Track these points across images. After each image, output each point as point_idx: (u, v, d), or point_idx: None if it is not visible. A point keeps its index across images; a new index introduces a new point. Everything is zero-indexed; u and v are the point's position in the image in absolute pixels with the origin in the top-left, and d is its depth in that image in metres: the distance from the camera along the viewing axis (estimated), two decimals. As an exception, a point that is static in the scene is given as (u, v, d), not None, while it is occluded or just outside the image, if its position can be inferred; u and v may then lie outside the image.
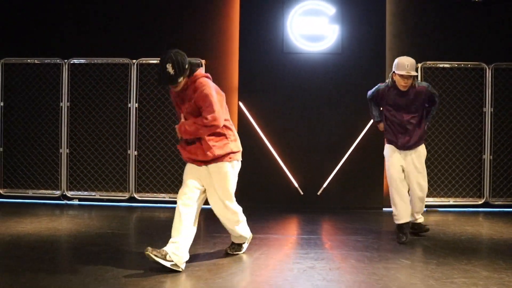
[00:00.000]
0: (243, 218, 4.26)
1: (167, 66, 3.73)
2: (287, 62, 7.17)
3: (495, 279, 3.67)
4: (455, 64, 7.17)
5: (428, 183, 7.07)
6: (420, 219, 5.27)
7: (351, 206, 7.07)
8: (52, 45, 7.50)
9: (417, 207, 5.20)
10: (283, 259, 4.30)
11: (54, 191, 7.44)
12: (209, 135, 3.91)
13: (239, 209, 4.20)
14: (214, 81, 7.68)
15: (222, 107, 3.96)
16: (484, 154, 7.18)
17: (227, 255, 4.34)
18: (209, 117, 3.78)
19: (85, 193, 7.41)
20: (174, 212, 3.91)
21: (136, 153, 7.32)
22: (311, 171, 7.13)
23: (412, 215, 5.19)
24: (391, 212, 5.16)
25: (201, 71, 4.01)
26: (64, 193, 7.41)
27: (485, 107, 7.16)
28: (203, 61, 7.20)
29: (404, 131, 5.03)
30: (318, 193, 7.12)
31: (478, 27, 7.24)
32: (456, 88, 7.18)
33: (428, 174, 7.12)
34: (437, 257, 4.32)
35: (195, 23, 7.36)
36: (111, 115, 7.36)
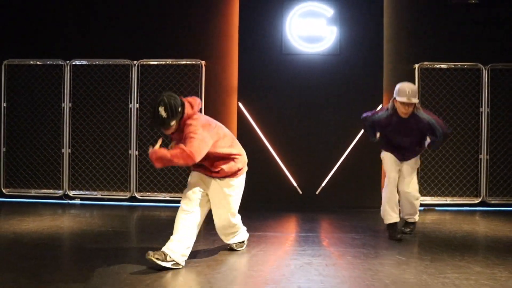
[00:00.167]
0: (240, 229, 4.44)
1: (160, 109, 3.74)
2: (286, 63, 7.26)
3: (487, 274, 3.76)
4: (451, 65, 7.26)
5: (426, 183, 7.25)
6: (411, 219, 5.34)
7: (349, 205, 7.16)
8: (54, 46, 7.59)
9: (407, 210, 5.27)
10: (281, 256, 4.39)
11: (56, 191, 7.53)
12: (216, 160, 4.01)
13: (239, 221, 4.37)
14: (214, 82, 7.80)
15: (208, 143, 3.86)
16: (481, 153, 7.27)
17: (230, 250, 4.44)
18: (186, 149, 3.73)
19: (87, 192, 7.50)
20: (175, 211, 4.03)
21: (137, 153, 7.41)
22: (309, 171, 7.22)
23: (403, 216, 5.29)
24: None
25: (189, 109, 3.89)
26: (66, 193, 7.51)
27: (482, 107, 7.25)
28: (203, 63, 7.31)
29: (400, 150, 5.12)
30: (317, 192, 7.22)
31: (475, 28, 7.32)
32: (453, 88, 7.27)
33: (426, 173, 7.26)
34: (431, 254, 4.41)
35: (195, 24, 7.46)
36: (112, 116, 7.45)
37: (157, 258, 3.75)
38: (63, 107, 7.50)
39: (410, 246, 4.80)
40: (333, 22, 7.21)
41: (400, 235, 5.05)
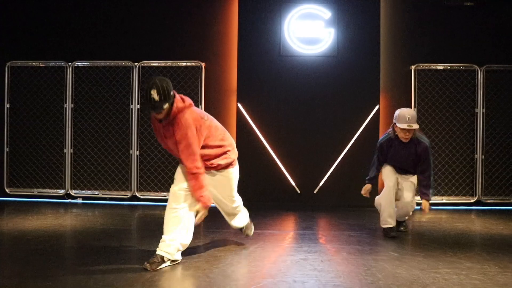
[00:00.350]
0: (243, 209, 4.56)
1: (152, 92, 3.68)
2: (284, 64, 7.38)
3: (477, 269, 3.87)
4: (447, 66, 7.38)
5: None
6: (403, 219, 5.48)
7: (347, 204, 7.27)
8: (56, 48, 7.71)
9: (403, 214, 5.35)
10: (278, 252, 4.51)
11: (59, 190, 7.65)
12: (213, 157, 4.05)
13: (240, 201, 4.49)
14: (214, 83, 7.89)
15: (201, 138, 3.92)
16: (476, 153, 7.38)
17: (225, 248, 4.56)
18: (187, 169, 3.86)
19: (89, 192, 7.62)
20: None
21: (138, 153, 7.53)
22: (308, 171, 7.33)
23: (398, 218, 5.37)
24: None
25: (180, 102, 3.85)
26: (68, 192, 7.63)
27: (477, 108, 7.36)
28: (203, 64, 7.42)
29: (400, 170, 5.26)
30: (315, 192, 7.33)
31: (470, 30, 7.44)
32: (449, 89, 7.39)
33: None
34: (425, 251, 4.53)
35: (195, 27, 7.57)
36: (113, 116, 7.57)
37: (157, 265, 3.81)
38: (65, 108, 7.62)
39: (405, 243, 4.91)
40: (331, 24, 7.33)
41: (394, 233, 5.16)
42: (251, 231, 4.77)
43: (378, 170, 5.37)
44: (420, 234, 5.40)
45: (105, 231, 5.39)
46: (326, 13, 7.34)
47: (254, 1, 7.38)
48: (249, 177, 7.01)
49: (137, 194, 7.53)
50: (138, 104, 7.52)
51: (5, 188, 7.70)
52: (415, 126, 4.92)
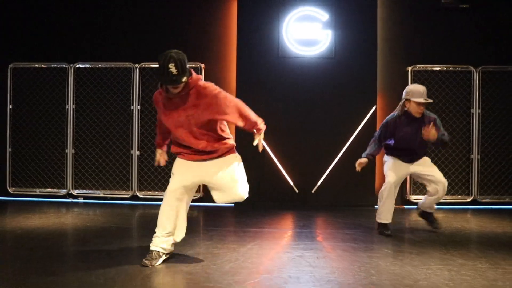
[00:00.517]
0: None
1: (170, 66, 3.57)
2: (282, 66, 7.48)
3: (469, 266, 3.98)
4: (444, 67, 7.47)
5: (419, 182, 7.42)
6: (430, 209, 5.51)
7: (344, 203, 7.38)
8: (58, 50, 7.83)
9: (434, 202, 5.39)
10: (275, 249, 4.61)
11: (60, 190, 7.76)
12: (212, 141, 3.93)
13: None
14: (213, 83, 7.95)
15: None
16: (472, 153, 7.48)
17: (223, 245, 4.66)
18: (258, 121, 4.17)
19: (90, 191, 7.73)
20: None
21: (138, 153, 7.64)
22: (305, 170, 7.44)
23: (430, 208, 5.45)
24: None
25: (194, 73, 3.87)
26: (70, 192, 7.74)
27: (473, 108, 7.46)
28: (203, 65, 7.53)
29: (409, 153, 5.23)
30: (313, 191, 7.43)
31: (466, 32, 7.54)
32: (445, 90, 7.49)
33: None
34: (418, 248, 4.63)
35: (195, 29, 7.68)
36: (114, 117, 7.68)
37: (155, 261, 3.91)
38: (67, 109, 7.73)
39: (399, 241, 5.01)
40: (328, 26, 7.43)
41: (389, 231, 5.25)
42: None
43: (377, 150, 5.29)
44: (415, 232, 5.50)
45: (106, 229, 5.49)
46: (323, 15, 7.44)
47: (253, 4, 7.49)
48: (248, 177, 7.05)
49: (138, 194, 7.64)
50: (138, 105, 7.62)
51: (8, 188, 7.81)
52: (430, 100, 5.03)
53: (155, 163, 4.24)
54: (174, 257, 4.15)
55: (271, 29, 7.51)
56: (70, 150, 7.72)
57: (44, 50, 7.85)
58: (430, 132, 4.88)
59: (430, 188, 5.29)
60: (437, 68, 7.46)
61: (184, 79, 3.66)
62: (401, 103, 5.14)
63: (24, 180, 7.82)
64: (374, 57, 7.45)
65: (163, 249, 3.99)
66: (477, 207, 7.44)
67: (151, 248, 3.99)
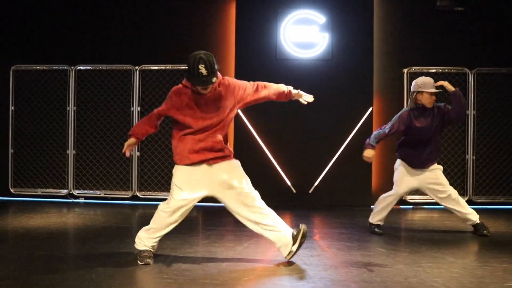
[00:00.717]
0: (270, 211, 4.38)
1: (200, 67, 3.65)
2: (280, 68, 7.57)
3: (458, 264, 4.09)
4: (439, 69, 7.57)
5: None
6: (474, 217, 5.41)
7: (341, 204, 7.48)
8: (59, 52, 7.92)
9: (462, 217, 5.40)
10: (270, 248, 4.70)
11: (62, 190, 7.87)
12: (224, 139, 4.01)
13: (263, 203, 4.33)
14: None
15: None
16: (467, 154, 7.58)
17: (221, 244, 4.77)
18: (281, 88, 4.39)
19: (91, 191, 7.84)
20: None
21: (138, 154, 7.74)
22: (303, 171, 7.54)
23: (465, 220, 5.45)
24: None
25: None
26: (71, 192, 7.85)
27: (468, 109, 7.55)
28: (202, 67, 7.63)
29: (422, 151, 5.20)
30: (310, 192, 7.54)
31: (461, 34, 7.64)
32: (441, 92, 7.56)
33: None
34: (411, 247, 4.74)
35: (194, 31, 7.78)
36: (115, 119, 7.79)
37: (151, 260, 4.02)
38: (68, 110, 7.83)
39: (393, 240, 5.12)
40: (325, 29, 7.54)
41: (381, 230, 5.35)
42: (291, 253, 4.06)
43: (380, 140, 5.23)
44: (410, 232, 5.62)
45: (106, 229, 5.61)
46: (321, 18, 7.55)
47: (251, 7, 7.59)
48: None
49: (138, 194, 7.75)
50: (138, 106, 7.73)
51: (10, 188, 7.92)
52: (438, 89, 5.15)
53: (123, 151, 4.03)
54: (172, 255, 4.27)
55: (269, 31, 7.62)
56: (71, 151, 7.83)
57: (45, 52, 7.95)
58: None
59: (444, 203, 5.35)
60: (432, 70, 7.56)
61: (214, 79, 3.76)
62: (412, 96, 5.20)
63: (26, 180, 7.93)
64: (370, 59, 7.55)
65: (152, 247, 4.12)
66: (472, 207, 7.45)
67: (144, 248, 4.08)
